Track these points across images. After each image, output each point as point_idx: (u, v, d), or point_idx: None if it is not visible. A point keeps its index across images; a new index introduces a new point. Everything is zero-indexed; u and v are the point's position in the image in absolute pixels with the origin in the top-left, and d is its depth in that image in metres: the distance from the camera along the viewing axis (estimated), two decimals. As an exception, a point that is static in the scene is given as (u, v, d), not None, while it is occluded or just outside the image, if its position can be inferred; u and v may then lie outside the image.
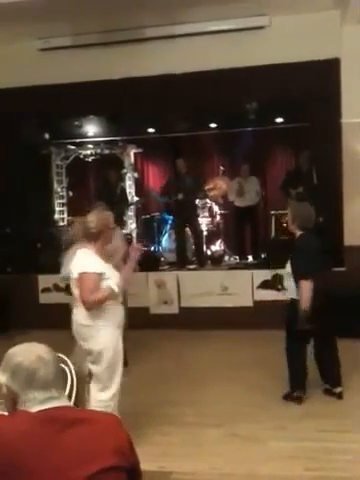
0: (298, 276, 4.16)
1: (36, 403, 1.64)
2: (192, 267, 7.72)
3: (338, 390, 4.40)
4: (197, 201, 8.50)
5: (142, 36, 6.96)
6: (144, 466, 3.43)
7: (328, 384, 4.46)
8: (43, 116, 7.90)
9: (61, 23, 6.61)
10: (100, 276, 3.35)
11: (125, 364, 5.22)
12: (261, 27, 6.83)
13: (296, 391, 4.38)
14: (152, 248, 8.88)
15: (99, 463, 1.60)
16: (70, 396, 2.17)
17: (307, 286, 4.10)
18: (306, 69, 6.66)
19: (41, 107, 7.37)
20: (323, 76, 6.67)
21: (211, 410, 4.37)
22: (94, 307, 3.36)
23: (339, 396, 4.38)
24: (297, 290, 4.19)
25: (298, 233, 4.35)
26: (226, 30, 6.89)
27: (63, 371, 2.38)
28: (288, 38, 6.65)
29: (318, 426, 3.90)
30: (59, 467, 1.55)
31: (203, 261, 7.93)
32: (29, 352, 1.70)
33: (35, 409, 1.63)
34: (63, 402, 1.69)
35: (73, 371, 2.35)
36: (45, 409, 1.63)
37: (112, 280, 3.39)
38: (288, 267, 4.35)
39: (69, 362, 2.37)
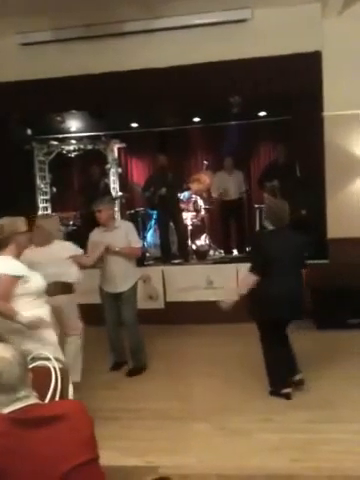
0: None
1: (4, 405, 1.64)
2: (177, 262, 7.71)
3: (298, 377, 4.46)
4: (181, 196, 8.50)
5: (124, 30, 6.90)
6: (131, 461, 3.48)
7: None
8: (25, 111, 7.80)
9: (40, 17, 6.52)
10: (18, 279, 3.40)
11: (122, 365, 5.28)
12: (243, 20, 6.82)
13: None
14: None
15: (74, 460, 1.62)
16: (54, 394, 2.16)
17: (249, 277, 4.29)
18: (288, 62, 6.67)
19: (22, 102, 7.28)
20: (305, 69, 6.69)
21: (197, 404, 4.38)
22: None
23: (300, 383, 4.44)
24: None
25: (269, 228, 4.39)
26: (208, 23, 6.86)
27: (48, 370, 2.36)
28: (270, 31, 6.65)
29: (303, 417, 3.94)
30: (35, 467, 1.56)
31: (187, 256, 7.95)
32: None
33: (5, 410, 1.63)
34: (32, 400, 1.69)
35: (57, 369, 2.34)
36: (15, 410, 1.63)
37: (33, 283, 3.45)
38: None
39: (53, 360, 2.36)
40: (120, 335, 5.35)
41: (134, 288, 5.26)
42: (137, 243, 5.30)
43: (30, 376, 1.78)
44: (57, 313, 4.54)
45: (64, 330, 4.48)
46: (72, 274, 4.64)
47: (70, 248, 4.74)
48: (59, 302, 4.40)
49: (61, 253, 4.59)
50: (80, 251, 4.84)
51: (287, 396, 4.31)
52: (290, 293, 4.24)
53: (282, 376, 4.39)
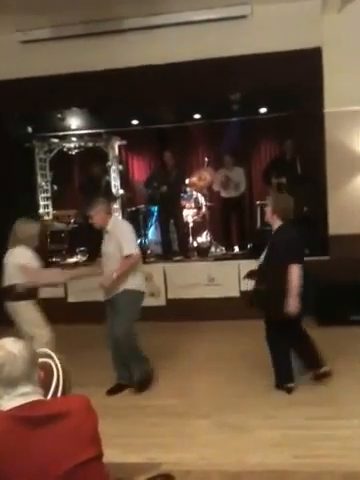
0: (287, 263, 4.18)
1: (6, 400, 1.63)
2: (178, 259, 7.72)
3: (325, 370, 4.45)
4: (182, 193, 8.49)
5: (124, 27, 6.89)
6: (133, 458, 3.49)
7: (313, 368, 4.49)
8: (25, 109, 7.81)
9: (40, 15, 6.52)
10: None
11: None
12: (243, 16, 6.80)
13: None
14: (138, 241, 8.85)
15: (77, 457, 1.62)
16: (56, 392, 2.16)
17: (297, 271, 4.16)
18: (288, 58, 6.66)
19: (23, 100, 7.29)
20: (305, 65, 6.67)
21: (199, 400, 4.39)
22: None
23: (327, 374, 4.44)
24: (270, 279, 4.24)
25: (278, 224, 4.38)
26: (208, 20, 6.85)
27: (50, 366, 2.36)
28: (270, 27, 6.64)
29: (305, 414, 3.95)
30: (37, 466, 1.56)
31: (188, 253, 7.95)
32: (0, 347, 1.70)
33: (7, 407, 1.62)
34: (35, 397, 1.69)
35: (59, 366, 2.34)
36: (18, 406, 1.62)
37: None
38: (262, 257, 4.41)
39: (55, 357, 2.35)
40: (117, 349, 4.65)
41: (127, 296, 4.58)
42: (128, 250, 4.46)
43: (39, 373, 1.77)
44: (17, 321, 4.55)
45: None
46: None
47: (22, 256, 4.48)
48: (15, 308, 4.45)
49: (14, 259, 4.48)
50: (30, 265, 4.49)
51: (288, 390, 4.34)
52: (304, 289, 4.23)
53: (287, 372, 4.41)
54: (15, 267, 4.47)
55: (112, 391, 4.65)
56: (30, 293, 4.55)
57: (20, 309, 4.52)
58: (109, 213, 4.71)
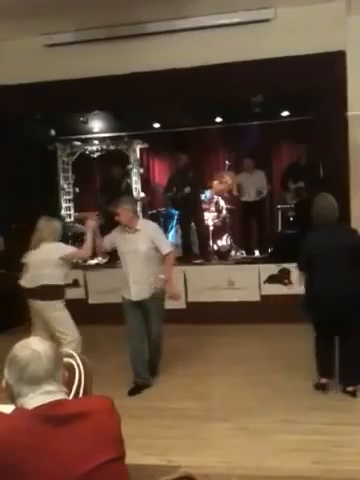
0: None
1: (30, 398, 1.64)
2: (198, 262, 7.71)
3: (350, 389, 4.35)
4: (203, 196, 8.49)
5: (147, 31, 6.92)
6: (152, 460, 3.49)
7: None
8: (48, 112, 7.90)
9: (64, 18, 6.58)
10: None
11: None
12: (266, 20, 6.78)
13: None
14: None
15: (97, 458, 1.61)
16: (77, 392, 2.18)
17: (296, 275, 4.37)
18: (312, 62, 6.60)
19: (46, 103, 7.37)
20: (329, 69, 6.61)
21: (218, 404, 4.38)
22: None
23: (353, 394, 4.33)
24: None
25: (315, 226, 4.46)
26: (231, 24, 6.84)
27: (72, 366, 2.38)
28: (293, 31, 6.59)
29: (326, 419, 3.90)
30: (58, 465, 1.56)
31: (208, 256, 7.93)
32: (26, 346, 1.72)
33: (31, 405, 1.63)
34: (59, 396, 1.69)
35: (81, 366, 2.36)
36: (41, 405, 1.63)
37: None
38: None
39: (77, 357, 2.38)
40: (142, 350, 4.80)
41: (159, 297, 4.75)
42: (166, 248, 4.72)
43: (64, 373, 1.79)
44: (45, 319, 4.64)
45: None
46: (58, 276, 4.66)
47: (59, 249, 4.72)
48: (44, 306, 4.52)
49: (49, 255, 4.62)
50: (70, 249, 4.87)
51: (321, 387, 4.37)
52: (332, 292, 4.18)
53: (322, 367, 4.42)
54: (55, 262, 4.58)
55: (133, 391, 4.70)
56: (61, 292, 4.64)
57: (53, 308, 4.60)
58: (136, 213, 4.88)
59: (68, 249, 4.88)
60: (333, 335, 4.42)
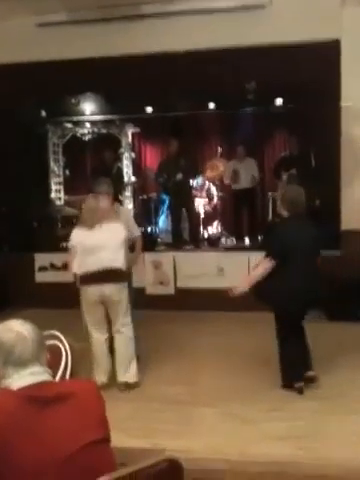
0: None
1: (16, 379, 1.65)
2: (188, 248, 7.71)
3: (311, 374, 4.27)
4: (194, 182, 8.46)
5: (140, 12, 6.83)
6: (138, 443, 3.49)
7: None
8: (40, 93, 7.79)
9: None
10: None
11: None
12: (261, 6, 6.71)
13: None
14: (149, 229, 8.85)
15: (84, 438, 1.63)
16: (64, 375, 2.17)
17: (264, 264, 4.14)
18: (306, 50, 6.56)
19: (38, 84, 7.27)
20: (323, 58, 6.58)
21: (206, 390, 4.39)
22: None
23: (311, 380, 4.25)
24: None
25: (285, 215, 4.29)
26: (226, 8, 6.77)
27: (57, 348, 2.38)
28: (288, 18, 6.54)
29: (313, 407, 3.93)
30: (45, 445, 1.57)
31: (199, 242, 7.93)
32: (9, 329, 1.72)
33: (16, 386, 1.64)
34: (44, 377, 1.70)
35: (68, 348, 2.35)
36: (26, 386, 1.64)
37: None
38: None
39: (64, 339, 2.37)
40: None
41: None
42: (138, 231, 5.13)
43: (46, 355, 1.79)
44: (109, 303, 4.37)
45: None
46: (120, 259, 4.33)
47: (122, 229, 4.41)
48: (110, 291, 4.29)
49: (122, 235, 4.35)
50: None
51: (300, 391, 4.17)
52: (307, 284, 4.15)
53: (297, 370, 4.23)
54: (123, 243, 4.31)
55: None
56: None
57: (126, 291, 4.42)
58: (114, 198, 4.85)
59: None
60: (299, 328, 4.33)
